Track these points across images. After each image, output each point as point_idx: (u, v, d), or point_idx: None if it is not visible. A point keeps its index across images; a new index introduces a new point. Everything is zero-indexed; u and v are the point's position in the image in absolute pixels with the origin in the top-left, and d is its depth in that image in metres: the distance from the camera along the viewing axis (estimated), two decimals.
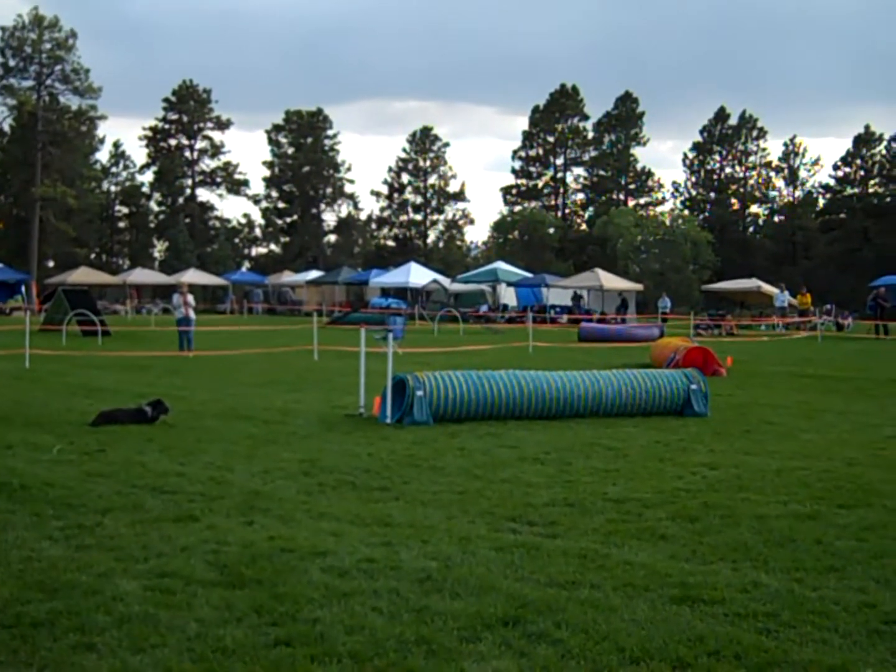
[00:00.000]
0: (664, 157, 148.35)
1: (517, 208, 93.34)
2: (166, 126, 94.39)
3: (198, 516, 7.72)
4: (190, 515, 7.73)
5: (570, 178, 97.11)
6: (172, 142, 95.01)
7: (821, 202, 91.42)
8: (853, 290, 64.41)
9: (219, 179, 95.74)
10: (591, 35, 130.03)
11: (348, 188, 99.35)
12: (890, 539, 7.27)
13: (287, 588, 5.93)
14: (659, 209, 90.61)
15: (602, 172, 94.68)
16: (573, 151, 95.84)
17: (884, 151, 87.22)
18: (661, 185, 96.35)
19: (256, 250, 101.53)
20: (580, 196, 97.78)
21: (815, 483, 9.40)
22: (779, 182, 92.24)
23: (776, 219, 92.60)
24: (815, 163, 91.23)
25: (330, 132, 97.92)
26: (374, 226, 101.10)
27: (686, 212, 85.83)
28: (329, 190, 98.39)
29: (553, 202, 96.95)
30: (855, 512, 8.15)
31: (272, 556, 6.62)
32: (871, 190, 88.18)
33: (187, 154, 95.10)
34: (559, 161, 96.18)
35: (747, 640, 5.21)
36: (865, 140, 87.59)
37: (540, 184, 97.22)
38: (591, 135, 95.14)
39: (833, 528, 7.61)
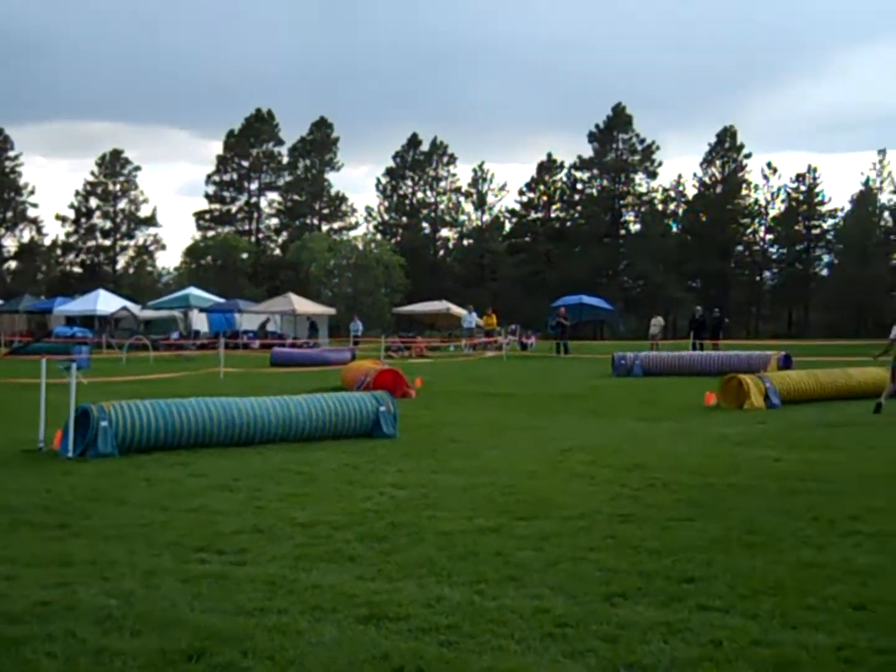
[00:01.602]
0: (358, 182, 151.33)
1: (210, 233, 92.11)
2: None
3: None
4: None
5: (264, 203, 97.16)
6: None
7: (507, 226, 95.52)
8: (537, 311, 67.49)
9: None
10: (286, 60, 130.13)
11: (31, 212, 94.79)
12: (564, 547, 7.63)
13: None
14: (352, 233, 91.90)
15: (296, 197, 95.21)
16: (268, 176, 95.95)
17: (564, 178, 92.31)
18: (354, 210, 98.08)
19: None
20: (274, 221, 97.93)
21: (498, 497, 9.75)
22: (468, 207, 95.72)
23: (465, 242, 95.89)
24: (502, 188, 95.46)
25: (11, 153, 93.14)
26: (59, 252, 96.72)
27: (379, 236, 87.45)
28: (10, 214, 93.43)
29: (247, 227, 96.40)
30: (534, 523, 8.51)
31: None
32: (553, 215, 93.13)
33: None
34: (253, 186, 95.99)
35: (430, 654, 5.32)
36: (548, 167, 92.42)
37: (234, 209, 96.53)
38: (285, 160, 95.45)
39: (513, 539, 7.92)
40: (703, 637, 5.56)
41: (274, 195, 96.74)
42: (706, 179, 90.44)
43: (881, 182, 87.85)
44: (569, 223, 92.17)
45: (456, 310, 56.98)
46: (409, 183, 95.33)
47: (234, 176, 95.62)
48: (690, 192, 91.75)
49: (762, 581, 6.67)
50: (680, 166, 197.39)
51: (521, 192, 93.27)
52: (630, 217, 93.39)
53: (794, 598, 6.27)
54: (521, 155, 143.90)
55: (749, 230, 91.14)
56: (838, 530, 8.20)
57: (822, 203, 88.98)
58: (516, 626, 5.76)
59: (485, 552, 7.49)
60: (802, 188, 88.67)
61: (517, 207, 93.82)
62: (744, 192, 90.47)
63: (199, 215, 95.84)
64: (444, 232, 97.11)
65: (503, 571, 6.94)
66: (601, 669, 5.15)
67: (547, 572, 6.91)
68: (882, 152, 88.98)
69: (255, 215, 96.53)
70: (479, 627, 5.72)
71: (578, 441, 14.04)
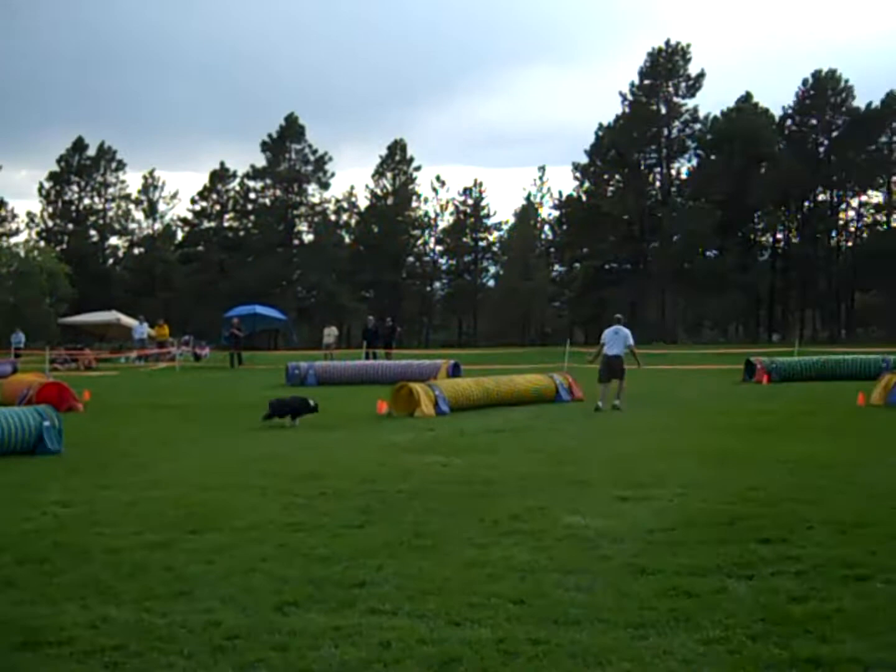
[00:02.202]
0: (19, 186, 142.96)
1: None
2: None
3: None
4: None
5: None
6: None
7: (179, 235, 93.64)
8: (211, 321, 66.46)
9: None
10: None
11: None
12: (237, 559, 7.58)
13: None
14: (13, 240, 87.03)
15: None
16: None
17: (238, 187, 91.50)
18: (15, 216, 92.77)
19: None
20: None
21: (169, 511, 9.54)
22: (138, 214, 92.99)
23: (136, 251, 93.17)
24: (174, 196, 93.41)
25: None
26: None
27: (42, 243, 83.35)
28: None
29: None
30: (205, 536, 8.40)
31: None
32: (226, 224, 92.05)
33: None
34: None
35: None
36: (221, 176, 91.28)
37: None
38: None
39: (184, 553, 7.78)
40: (372, 639, 5.69)
41: None
42: (378, 191, 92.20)
43: (541, 197, 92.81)
44: (242, 232, 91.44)
45: (126, 320, 55.16)
46: (76, 188, 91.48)
47: None
48: (363, 203, 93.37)
49: (429, 582, 6.89)
50: (352, 178, 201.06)
51: (194, 201, 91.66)
52: (303, 227, 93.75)
53: (459, 596, 6.53)
54: (194, 163, 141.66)
55: (420, 241, 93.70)
56: (501, 529, 8.59)
57: (488, 216, 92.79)
58: (186, 641, 5.67)
59: (154, 568, 7.33)
60: (469, 201, 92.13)
61: (189, 216, 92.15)
62: (414, 204, 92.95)
63: None
64: (114, 240, 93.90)
65: (173, 586, 6.81)
66: None
67: (218, 585, 6.85)
68: (542, 169, 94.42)
69: None
70: (147, 645, 5.60)
71: (251, 452, 13.98)
